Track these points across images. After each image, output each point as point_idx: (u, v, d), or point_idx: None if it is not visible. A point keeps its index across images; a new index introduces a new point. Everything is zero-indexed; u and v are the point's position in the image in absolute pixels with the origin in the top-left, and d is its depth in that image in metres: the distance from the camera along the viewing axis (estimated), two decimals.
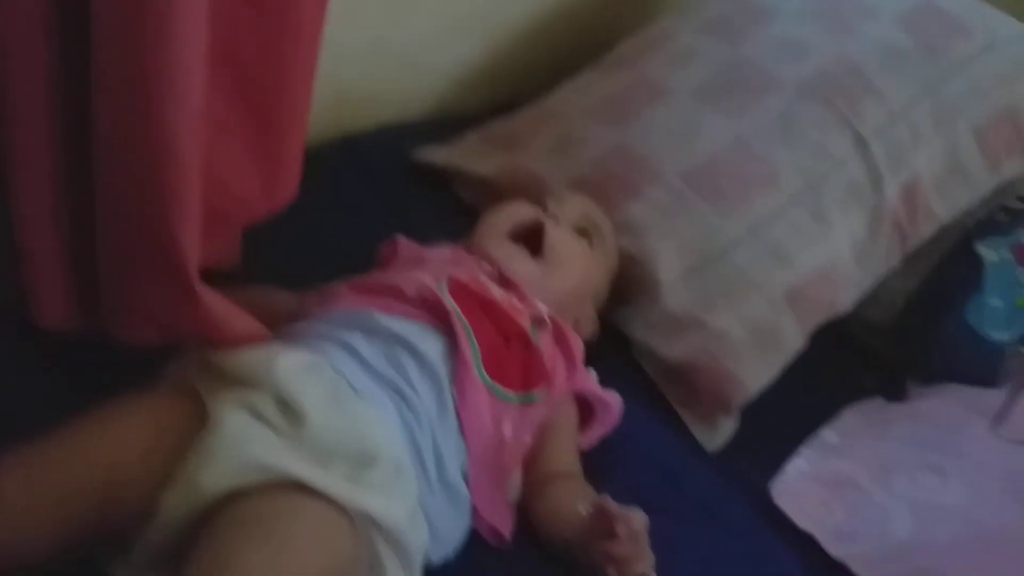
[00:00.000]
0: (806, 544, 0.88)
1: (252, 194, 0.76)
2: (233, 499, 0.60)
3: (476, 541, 0.75)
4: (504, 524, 0.76)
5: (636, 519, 0.68)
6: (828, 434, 1.00)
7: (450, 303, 0.77)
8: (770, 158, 1.04)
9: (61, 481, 0.61)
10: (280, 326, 0.77)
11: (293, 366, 0.67)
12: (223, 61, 0.66)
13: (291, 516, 0.60)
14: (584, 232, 0.92)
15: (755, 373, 0.97)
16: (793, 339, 1.00)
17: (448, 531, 0.72)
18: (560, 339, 0.84)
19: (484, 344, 0.77)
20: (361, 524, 0.63)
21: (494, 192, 1.07)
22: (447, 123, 1.20)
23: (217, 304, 0.68)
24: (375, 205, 1.08)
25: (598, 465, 0.85)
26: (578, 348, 0.85)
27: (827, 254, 1.02)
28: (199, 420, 0.64)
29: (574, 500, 0.74)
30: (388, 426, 0.69)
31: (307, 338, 0.74)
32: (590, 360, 0.88)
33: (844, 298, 1.05)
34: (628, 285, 0.98)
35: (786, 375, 1.00)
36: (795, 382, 1.01)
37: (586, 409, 0.86)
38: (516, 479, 0.78)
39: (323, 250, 0.96)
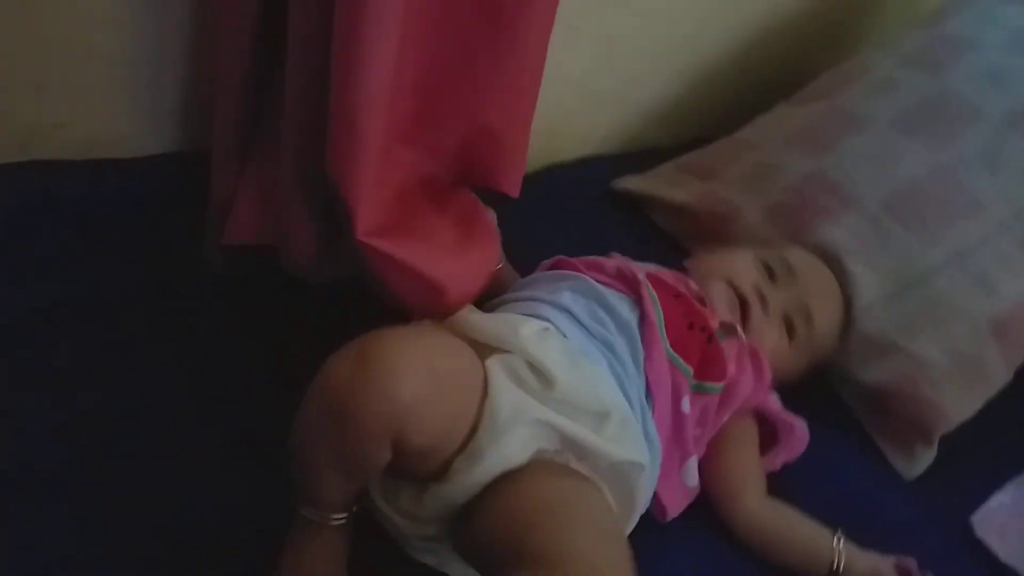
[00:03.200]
0: None
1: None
2: (515, 479, 0.67)
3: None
4: (672, 502, 0.80)
5: None
6: None
7: (643, 279, 0.83)
8: (974, 187, 1.03)
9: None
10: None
11: (533, 332, 0.74)
12: (460, 67, 0.76)
13: (582, 495, 0.68)
14: (791, 324, 0.91)
15: (957, 403, 0.95)
16: (998, 372, 0.98)
17: (653, 482, 0.78)
18: (754, 356, 0.86)
19: (668, 319, 0.81)
20: (609, 472, 0.71)
21: (690, 219, 1.12)
22: (642, 156, 1.26)
23: (387, 261, 0.75)
24: (574, 229, 1.16)
25: (790, 490, 0.86)
26: (768, 369, 0.87)
27: None
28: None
29: (810, 535, 0.81)
30: (613, 383, 0.76)
31: (530, 301, 0.81)
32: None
33: None
34: None
35: (992, 410, 0.98)
36: (1001, 419, 0.99)
37: (770, 434, 0.88)
38: (693, 468, 0.81)
39: (521, 268, 1.04)
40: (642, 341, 0.79)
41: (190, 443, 0.79)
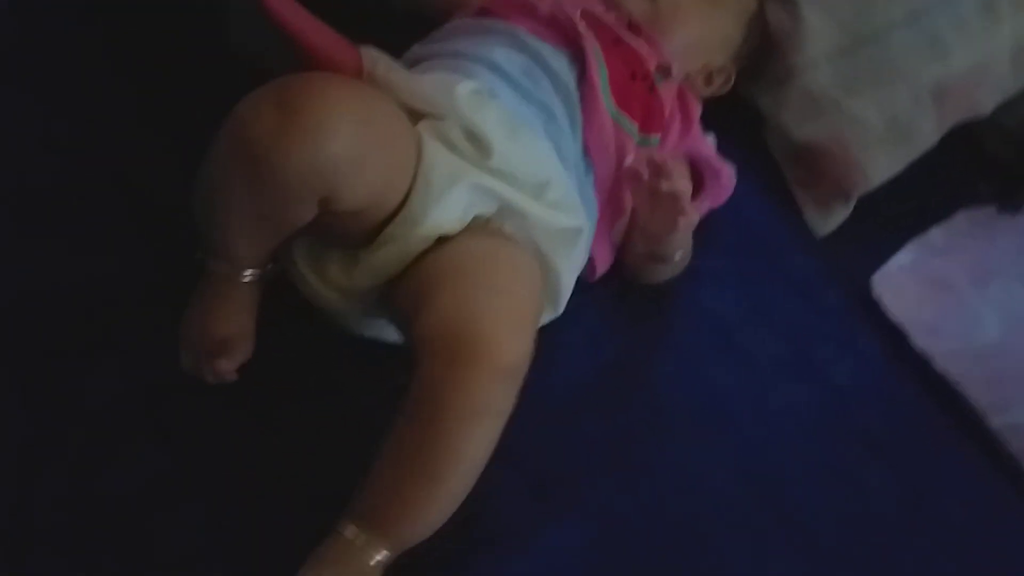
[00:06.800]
0: (894, 336, 0.91)
1: None
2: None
3: None
4: (601, 259, 0.79)
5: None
6: (936, 234, 1.00)
7: (583, 27, 0.77)
8: None
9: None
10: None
11: (468, 93, 0.68)
12: None
13: (500, 258, 0.65)
14: None
15: (882, 165, 0.96)
16: (928, 135, 0.98)
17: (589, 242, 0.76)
18: (681, 97, 0.83)
19: (612, 73, 0.77)
20: (547, 240, 0.69)
21: None
22: None
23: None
24: None
25: (697, 227, 0.86)
26: (696, 110, 0.85)
27: (986, 52, 0.97)
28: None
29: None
30: (550, 149, 0.72)
31: (456, 57, 0.74)
32: (717, 130, 0.88)
33: (987, 101, 1.01)
34: (772, 58, 0.95)
35: (906, 169, 0.98)
36: (914, 178, 1.00)
37: (696, 178, 0.86)
38: (623, 224, 0.80)
39: None
40: (582, 107, 0.74)
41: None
